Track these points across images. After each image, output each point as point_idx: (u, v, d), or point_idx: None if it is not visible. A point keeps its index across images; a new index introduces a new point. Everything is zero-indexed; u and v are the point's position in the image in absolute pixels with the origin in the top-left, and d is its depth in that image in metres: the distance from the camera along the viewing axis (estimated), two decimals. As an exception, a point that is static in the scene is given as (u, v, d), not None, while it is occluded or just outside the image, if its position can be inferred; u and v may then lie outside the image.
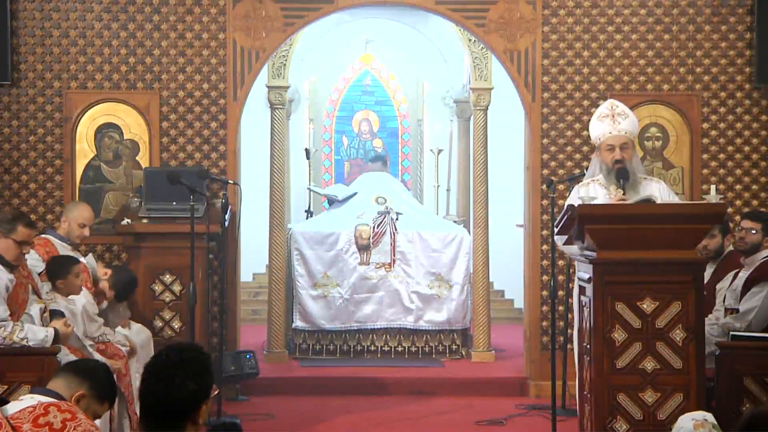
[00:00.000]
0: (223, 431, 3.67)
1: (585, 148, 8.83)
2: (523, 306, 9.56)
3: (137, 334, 7.53)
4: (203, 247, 8.14)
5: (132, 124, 8.74)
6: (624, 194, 6.20)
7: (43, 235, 7.44)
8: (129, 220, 8.17)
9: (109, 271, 7.46)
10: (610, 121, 6.36)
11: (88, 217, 7.53)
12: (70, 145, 8.67)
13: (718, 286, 6.92)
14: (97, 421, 4.24)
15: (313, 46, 12.47)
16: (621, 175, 6.25)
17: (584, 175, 7.90)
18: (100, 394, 4.22)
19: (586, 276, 5.98)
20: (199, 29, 8.75)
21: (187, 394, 3.27)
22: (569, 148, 8.84)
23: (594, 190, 6.47)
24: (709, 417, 4.77)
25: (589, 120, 8.69)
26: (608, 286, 5.76)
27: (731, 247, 7.15)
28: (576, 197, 6.33)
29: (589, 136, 8.68)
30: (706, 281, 6.43)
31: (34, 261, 6.82)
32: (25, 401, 4.02)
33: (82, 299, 6.75)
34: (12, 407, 3.96)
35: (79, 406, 4.09)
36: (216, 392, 3.33)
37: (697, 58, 8.85)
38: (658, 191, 6.42)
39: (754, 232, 6.70)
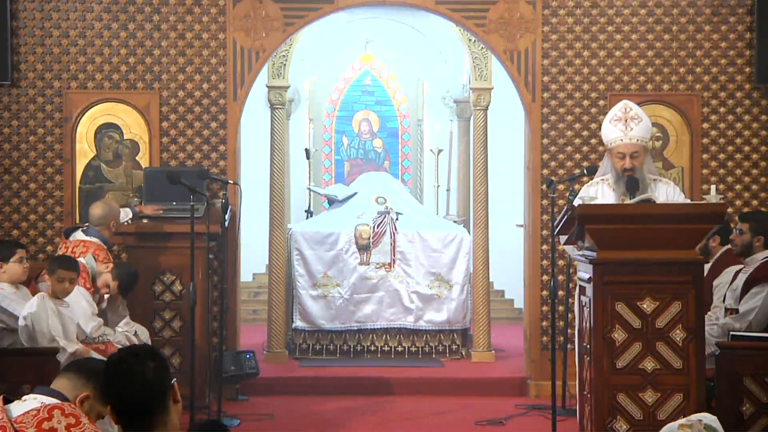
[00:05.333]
0: (207, 430, 3.66)
1: (585, 148, 8.83)
2: (523, 306, 9.56)
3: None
4: (203, 247, 8.14)
5: (132, 124, 8.74)
6: None
7: (91, 239, 7.47)
8: (129, 220, 8.17)
9: (111, 264, 7.48)
10: (623, 126, 6.28)
11: None
12: (70, 145, 8.68)
13: (714, 283, 6.93)
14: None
15: (313, 46, 12.47)
16: (630, 185, 6.23)
17: (584, 174, 7.92)
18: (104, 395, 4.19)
19: (586, 276, 5.98)
20: (199, 29, 8.75)
21: (153, 372, 3.31)
22: (569, 148, 8.84)
23: (602, 190, 6.46)
24: (708, 418, 4.74)
25: (590, 120, 8.78)
26: (608, 286, 5.77)
27: (725, 248, 7.15)
28: (581, 196, 6.32)
29: (589, 136, 8.76)
30: (703, 278, 6.44)
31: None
32: (28, 402, 4.00)
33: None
34: (15, 408, 3.93)
35: (83, 407, 4.07)
36: (173, 380, 3.38)
37: (697, 58, 8.85)
38: (665, 193, 6.40)
39: (741, 232, 6.71)
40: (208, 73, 8.75)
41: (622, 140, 6.29)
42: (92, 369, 4.24)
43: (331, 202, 11.10)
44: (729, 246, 7.09)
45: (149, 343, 7.50)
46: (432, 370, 9.52)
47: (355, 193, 10.73)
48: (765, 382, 5.95)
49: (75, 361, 4.54)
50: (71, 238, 7.53)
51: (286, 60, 9.74)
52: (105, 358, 6.62)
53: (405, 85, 13.86)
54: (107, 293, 7.31)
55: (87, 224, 7.72)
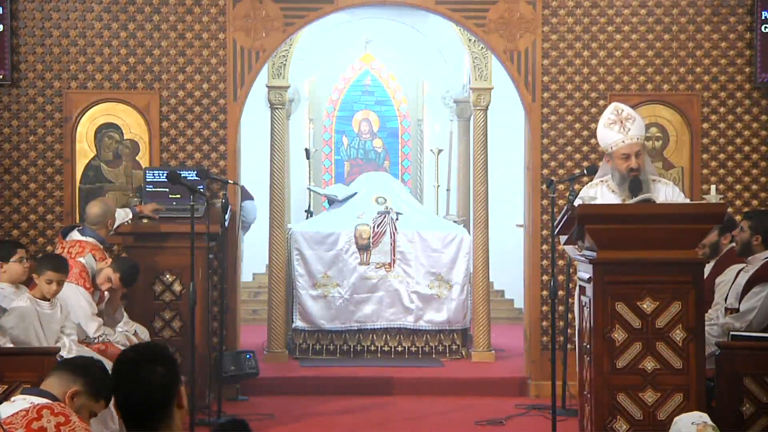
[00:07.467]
0: (230, 430, 3.67)
1: (585, 148, 8.83)
2: (523, 306, 9.56)
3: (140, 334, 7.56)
4: (203, 247, 8.14)
5: (132, 124, 8.74)
6: None
7: (87, 239, 7.44)
8: (129, 220, 8.18)
9: (110, 260, 7.48)
10: (620, 128, 6.29)
11: None
12: (70, 145, 8.67)
13: (717, 280, 6.93)
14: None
15: (313, 46, 12.47)
16: (633, 186, 6.23)
17: (584, 174, 7.92)
18: (95, 390, 4.14)
19: (586, 276, 5.99)
20: (199, 29, 8.75)
21: (160, 378, 3.29)
22: (569, 148, 8.84)
23: (602, 191, 6.46)
24: (707, 418, 4.77)
25: (590, 120, 8.77)
26: (608, 286, 5.77)
27: (730, 245, 7.15)
28: (581, 196, 6.32)
29: (589, 136, 8.76)
30: (705, 276, 6.44)
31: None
32: (17, 403, 3.97)
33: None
34: (4, 410, 3.92)
35: (73, 403, 4.04)
36: (183, 380, 3.38)
37: (697, 58, 8.85)
38: (664, 194, 6.41)
39: (742, 229, 6.72)
40: (208, 73, 8.75)
41: (623, 141, 6.29)
42: (80, 365, 4.22)
43: (331, 202, 11.10)
44: (731, 245, 7.10)
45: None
46: (432, 370, 9.52)
47: (355, 193, 10.72)
48: (765, 382, 5.95)
49: (63, 360, 4.53)
50: (68, 238, 7.52)
51: (286, 60, 9.74)
52: (102, 357, 6.65)
53: (405, 85, 13.85)
54: (110, 287, 7.29)
55: (83, 224, 7.71)
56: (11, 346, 6.25)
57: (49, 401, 3.96)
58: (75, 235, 7.53)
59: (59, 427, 3.80)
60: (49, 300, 6.55)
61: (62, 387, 4.08)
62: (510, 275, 11.15)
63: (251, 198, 10.56)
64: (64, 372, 4.15)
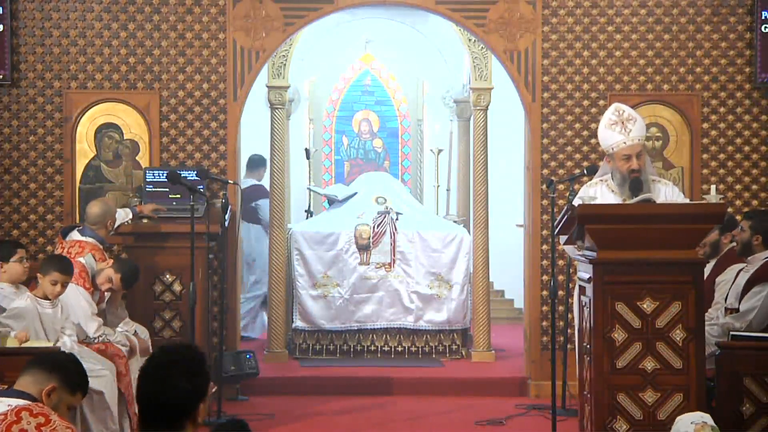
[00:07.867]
0: (229, 430, 3.66)
1: (585, 148, 8.83)
2: (523, 306, 9.56)
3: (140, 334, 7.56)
4: (203, 247, 8.14)
5: (132, 124, 8.74)
6: None
7: (87, 239, 7.43)
8: (129, 220, 8.18)
9: (110, 260, 7.48)
10: (621, 129, 6.30)
11: None
12: (70, 145, 8.68)
13: (717, 279, 6.94)
14: None
15: (313, 46, 12.46)
16: (635, 186, 6.24)
17: (584, 174, 7.93)
18: (70, 384, 4.11)
19: (586, 276, 5.99)
20: (199, 29, 8.75)
21: (183, 393, 3.28)
22: (569, 148, 8.84)
23: (601, 191, 6.47)
24: (708, 418, 4.78)
25: (590, 120, 8.78)
26: (608, 286, 5.77)
27: (731, 245, 7.16)
28: (580, 196, 6.33)
29: (589, 135, 8.76)
30: (706, 275, 6.44)
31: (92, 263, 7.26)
32: None
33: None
34: None
35: (50, 400, 4.02)
36: (214, 389, 3.35)
37: (697, 58, 8.85)
38: (664, 194, 6.42)
39: (742, 229, 6.73)
40: (208, 73, 8.75)
41: (625, 143, 6.31)
42: (52, 361, 4.18)
43: (331, 202, 11.09)
44: (732, 245, 7.11)
45: (149, 343, 7.49)
46: (432, 370, 9.52)
47: (355, 193, 10.72)
48: (765, 382, 5.95)
49: (35, 356, 4.48)
50: (68, 238, 7.52)
51: (286, 60, 9.74)
52: (102, 357, 6.64)
53: (405, 85, 13.84)
54: (110, 287, 7.29)
55: (83, 224, 7.71)
56: (12, 333, 6.26)
57: (27, 402, 3.92)
58: (75, 235, 7.53)
59: (40, 428, 3.77)
60: (50, 300, 6.55)
61: (38, 385, 4.05)
62: (510, 275, 11.15)
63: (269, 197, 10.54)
64: (38, 369, 4.12)
